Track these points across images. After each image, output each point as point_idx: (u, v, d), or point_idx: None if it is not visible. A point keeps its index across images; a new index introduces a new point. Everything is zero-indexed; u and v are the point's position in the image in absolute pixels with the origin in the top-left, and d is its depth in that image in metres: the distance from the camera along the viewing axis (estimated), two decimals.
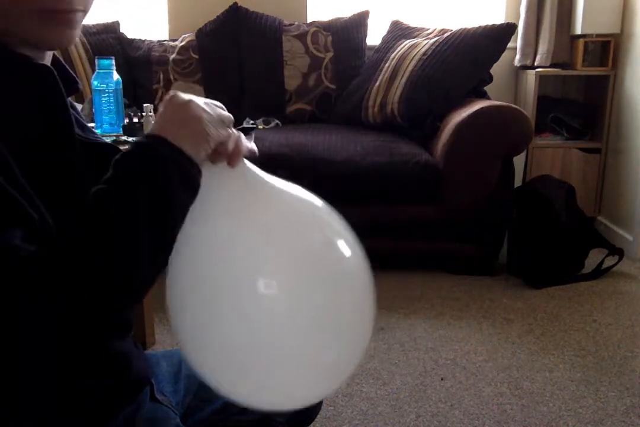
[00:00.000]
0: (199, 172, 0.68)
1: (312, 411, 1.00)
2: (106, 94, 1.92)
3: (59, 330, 0.58)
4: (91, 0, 0.71)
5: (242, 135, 0.76)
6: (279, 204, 0.74)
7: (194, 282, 0.70)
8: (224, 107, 0.74)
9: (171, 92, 0.71)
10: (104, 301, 0.60)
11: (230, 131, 0.73)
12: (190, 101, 0.69)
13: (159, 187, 0.64)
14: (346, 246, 0.74)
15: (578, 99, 3.17)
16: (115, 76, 1.94)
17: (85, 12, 0.71)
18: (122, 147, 0.87)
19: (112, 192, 0.62)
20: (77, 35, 0.71)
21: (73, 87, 0.78)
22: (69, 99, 0.80)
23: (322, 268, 0.71)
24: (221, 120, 0.71)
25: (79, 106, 2.12)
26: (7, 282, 0.56)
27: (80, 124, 0.79)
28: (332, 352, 0.72)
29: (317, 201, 0.77)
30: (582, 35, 2.92)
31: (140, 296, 0.65)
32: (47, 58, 0.73)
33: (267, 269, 0.69)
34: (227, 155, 0.73)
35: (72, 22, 0.69)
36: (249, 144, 0.76)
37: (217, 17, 3.01)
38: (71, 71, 0.78)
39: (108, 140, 1.32)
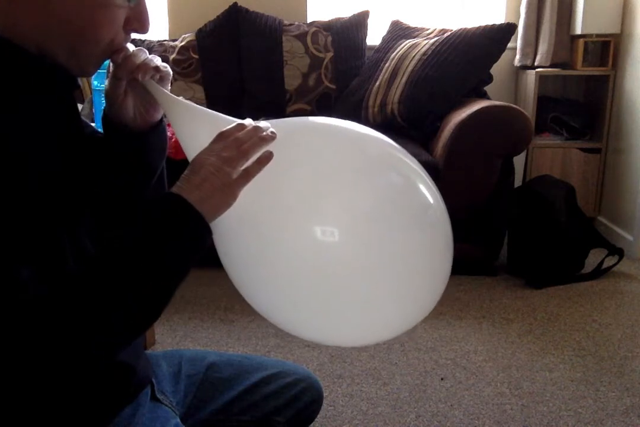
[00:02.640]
0: (210, 236, 0.70)
1: (312, 411, 1.00)
2: None
3: (52, 359, 0.62)
4: None
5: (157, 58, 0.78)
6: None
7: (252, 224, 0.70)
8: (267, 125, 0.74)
9: (219, 140, 0.71)
10: (98, 348, 0.65)
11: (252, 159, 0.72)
12: (224, 167, 0.69)
13: (174, 251, 0.67)
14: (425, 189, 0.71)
15: (578, 99, 3.17)
16: None
17: None
18: None
19: (125, 250, 0.66)
20: None
21: (73, 84, 0.78)
22: None
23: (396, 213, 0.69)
24: (227, 157, 0.70)
25: (79, 106, 2.12)
26: (7, 316, 0.60)
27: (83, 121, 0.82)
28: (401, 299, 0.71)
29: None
30: (582, 35, 2.92)
31: (134, 338, 0.70)
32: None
33: (327, 214, 0.68)
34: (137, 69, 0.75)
35: (117, 60, 0.74)
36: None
37: (217, 17, 3.02)
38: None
39: None
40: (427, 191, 0.72)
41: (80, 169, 0.75)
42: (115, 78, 0.75)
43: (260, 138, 0.71)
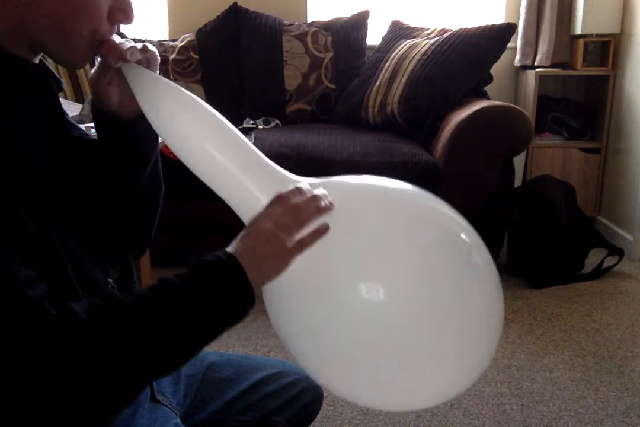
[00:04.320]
0: (253, 304, 0.70)
1: (312, 411, 1.00)
2: None
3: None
4: None
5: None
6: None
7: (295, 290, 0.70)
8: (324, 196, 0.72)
9: (279, 202, 0.71)
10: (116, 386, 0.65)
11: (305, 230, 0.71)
12: (280, 234, 0.69)
13: (214, 318, 0.67)
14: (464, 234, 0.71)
15: (578, 99, 3.17)
16: None
17: None
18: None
19: (168, 296, 0.66)
20: None
21: (58, 86, 0.79)
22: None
23: (441, 263, 0.68)
24: (285, 224, 0.70)
25: (79, 106, 2.12)
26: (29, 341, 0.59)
27: (68, 122, 0.81)
28: (461, 353, 0.68)
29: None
30: (582, 35, 2.92)
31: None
32: (37, 58, 0.74)
33: (371, 273, 0.67)
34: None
35: (105, 52, 0.73)
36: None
37: (217, 17, 3.01)
38: (53, 71, 0.79)
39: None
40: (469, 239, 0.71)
41: (68, 170, 0.74)
42: (102, 66, 0.75)
43: (317, 208, 0.70)
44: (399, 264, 0.67)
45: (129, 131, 0.79)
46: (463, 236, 0.71)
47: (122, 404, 0.68)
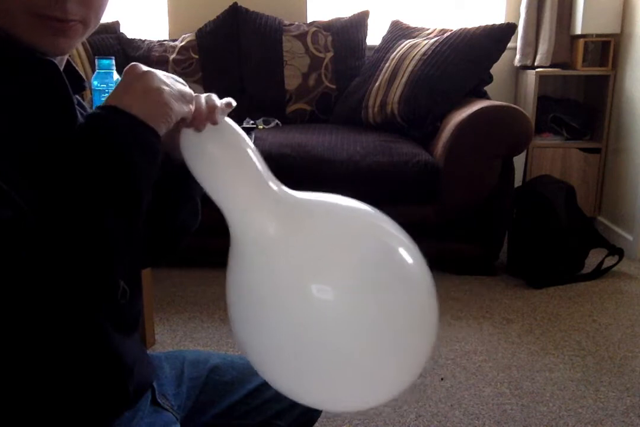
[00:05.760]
0: (156, 137, 0.65)
1: (313, 414, 1.00)
2: (106, 94, 1.92)
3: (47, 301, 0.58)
4: (93, 13, 0.70)
5: (214, 95, 0.74)
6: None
7: (244, 290, 0.70)
8: (184, 83, 0.71)
9: (132, 64, 0.68)
10: (89, 274, 0.59)
11: (192, 106, 0.69)
12: (148, 72, 0.67)
13: (115, 154, 0.61)
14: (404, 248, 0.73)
15: (578, 99, 3.17)
16: (115, 76, 1.94)
17: (83, 23, 0.70)
18: None
19: (70, 169, 0.61)
20: (74, 46, 0.71)
21: (80, 85, 0.77)
22: (81, 100, 0.80)
23: (382, 272, 0.70)
24: (181, 95, 0.68)
25: None
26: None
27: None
28: (390, 361, 0.71)
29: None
30: (582, 35, 2.92)
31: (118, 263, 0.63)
32: (57, 58, 0.72)
33: (321, 273, 0.68)
34: (204, 116, 0.70)
35: (66, 31, 0.68)
36: (220, 100, 0.74)
37: (217, 17, 3.02)
38: (79, 71, 0.78)
39: None
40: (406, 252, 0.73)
41: None
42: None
43: (214, 105, 0.70)
44: (342, 269, 0.69)
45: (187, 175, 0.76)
46: (400, 249, 0.74)
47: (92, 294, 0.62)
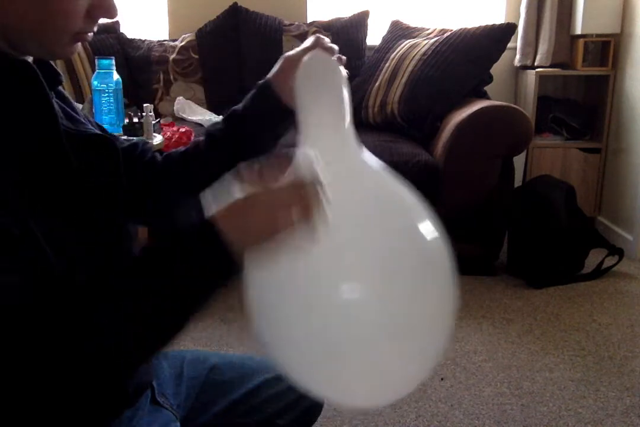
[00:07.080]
0: (236, 272, 0.71)
1: (313, 414, 0.99)
2: (106, 94, 1.92)
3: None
4: None
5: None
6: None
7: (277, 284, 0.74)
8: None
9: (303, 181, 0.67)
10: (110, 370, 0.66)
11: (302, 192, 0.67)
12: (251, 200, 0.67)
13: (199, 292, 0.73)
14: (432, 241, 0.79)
15: (578, 99, 3.17)
16: (115, 76, 1.94)
17: None
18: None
19: (147, 274, 0.68)
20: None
21: (56, 79, 0.77)
22: (62, 90, 0.80)
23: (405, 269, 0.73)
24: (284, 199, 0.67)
25: (79, 106, 2.12)
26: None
27: (69, 116, 0.78)
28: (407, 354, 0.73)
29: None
30: (582, 35, 2.92)
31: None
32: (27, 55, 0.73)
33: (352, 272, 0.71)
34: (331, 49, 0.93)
35: (85, 40, 0.72)
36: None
37: (217, 17, 3.02)
38: (52, 64, 0.78)
39: None
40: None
41: (65, 163, 0.73)
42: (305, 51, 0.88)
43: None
44: (371, 266, 0.72)
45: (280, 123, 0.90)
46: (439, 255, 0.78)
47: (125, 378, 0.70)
